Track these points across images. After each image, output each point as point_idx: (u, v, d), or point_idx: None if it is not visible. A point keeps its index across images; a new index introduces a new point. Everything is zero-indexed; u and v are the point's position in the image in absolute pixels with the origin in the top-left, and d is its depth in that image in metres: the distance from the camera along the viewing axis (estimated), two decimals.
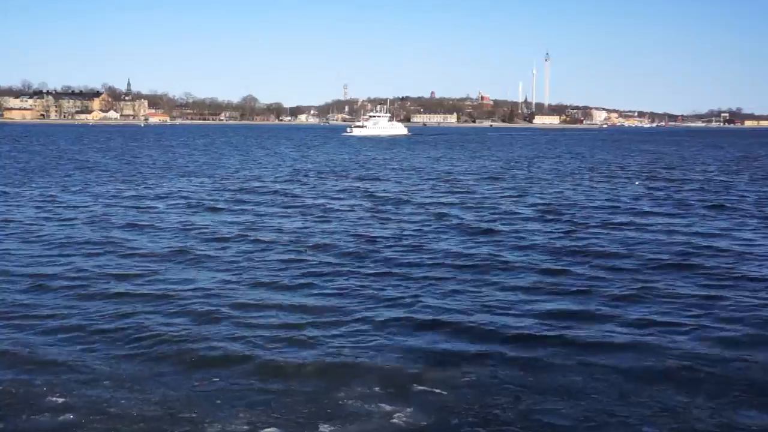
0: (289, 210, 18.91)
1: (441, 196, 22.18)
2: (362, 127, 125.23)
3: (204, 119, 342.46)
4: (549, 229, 15.08)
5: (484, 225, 16.22)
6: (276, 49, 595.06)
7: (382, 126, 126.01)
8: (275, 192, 23.78)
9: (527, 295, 9.73)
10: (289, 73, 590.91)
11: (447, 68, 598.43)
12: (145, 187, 22.28)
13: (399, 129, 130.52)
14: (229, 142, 70.61)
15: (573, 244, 13.47)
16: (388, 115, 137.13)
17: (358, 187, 23.67)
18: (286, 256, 12.36)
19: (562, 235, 14.58)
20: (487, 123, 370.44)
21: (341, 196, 21.92)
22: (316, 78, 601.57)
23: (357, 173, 26.67)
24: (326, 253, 12.85)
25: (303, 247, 13.35)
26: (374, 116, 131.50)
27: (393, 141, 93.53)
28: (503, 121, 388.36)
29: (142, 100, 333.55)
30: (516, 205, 19.29)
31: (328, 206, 19.14)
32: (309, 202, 19.67)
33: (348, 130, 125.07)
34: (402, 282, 10.49)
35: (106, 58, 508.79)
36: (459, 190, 24.70)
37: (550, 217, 17.33)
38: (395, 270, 11.47)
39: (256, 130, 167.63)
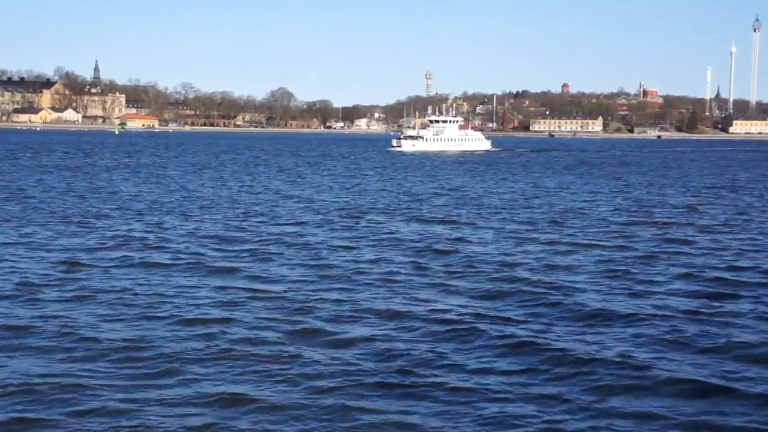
0: None
1: None
2: (417, 138, 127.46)
3: (211, 124, 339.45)
4: None
5: None
6: (322, 23, 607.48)
7: (448, 136, 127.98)
8: None
9: None
10: (341, 59, 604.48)
11: (587, 48, 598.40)
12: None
13: (475, 142, 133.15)
14: (247, 173, 64.54)
15: None
16: (459, 119, 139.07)
17: None
18: None
19: None
20: (652, 133, 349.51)
21: None
22: (383, 66, 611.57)
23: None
24: None
25: None
26: (437, 121, 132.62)
27: (466, 164, 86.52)
28: (678, 129, 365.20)
29: (117, 93, 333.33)
30: None
31: None
32: None
33: (395, 142, 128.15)
34: None
35: (62, 29, 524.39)
36: None
37: None
38: None
39: (289, 143, 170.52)
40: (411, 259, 21.57)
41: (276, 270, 19.91)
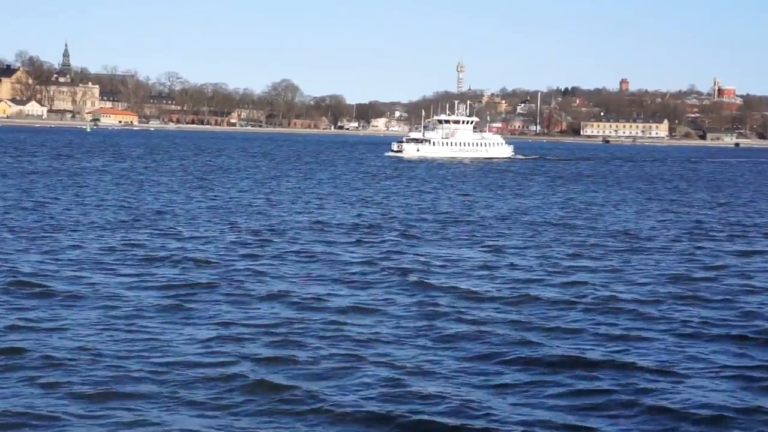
0: None
1: None
2: (422, 141, 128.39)
3: (201, 121, 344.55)
4: None
5: None
6: (332, 4, 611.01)
7: (461, 140, 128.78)
8: None
9: None
10: (356, 46, 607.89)
11: (651, 39, 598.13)
12: None
13: (494, 147, 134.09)
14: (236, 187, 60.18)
15: None
16: (474, 119, 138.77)
17: None
18: None
19: None
20: (728, 139, 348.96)
21: None
22: (406, 56, 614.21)
23: None
24: None
25: None
26: (446, 121, 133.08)
27: (480, 175, 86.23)
28: (761, 136, 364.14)
29: (90, 84, 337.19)
30: None
31: None
32: None
33: (395, 146, 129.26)
34: None
35: (25, 7, 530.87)
36: None
37: None
38: None
39: (290, 147, 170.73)
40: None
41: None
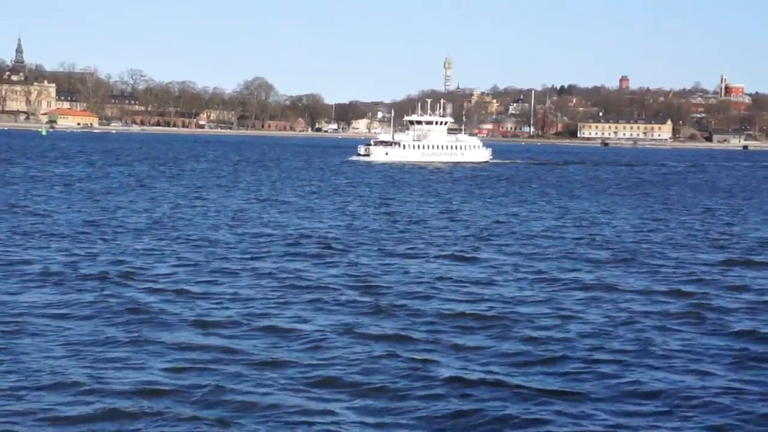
0: None
1: None
2: (391, 144, 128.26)
3: (167, 123, 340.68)
4: None
5: None
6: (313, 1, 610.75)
7: (434, 143, 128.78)
8: None
9: None
10: (335, 42, 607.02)
11: (652, 33, 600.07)
12: None
13: (470, 150, 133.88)
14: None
15: None
16: (447, 119, 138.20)
17: None
18: None
19: None
20: (736, 141, 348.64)
21: None
22: (388, 51, 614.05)
23: None
24: None
25: None
26: (418, 122, 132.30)
27: (455, 184, 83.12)
28: None
29: (46, 82, 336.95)
30: None
31: None
32: None
33: (362, 149, 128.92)
34: None
35: None
36: None
37: None
38: None
39: (252, 150, 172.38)
40: None
41: None
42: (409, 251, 32.39)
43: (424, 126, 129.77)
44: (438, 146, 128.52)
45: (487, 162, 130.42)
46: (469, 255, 31.52)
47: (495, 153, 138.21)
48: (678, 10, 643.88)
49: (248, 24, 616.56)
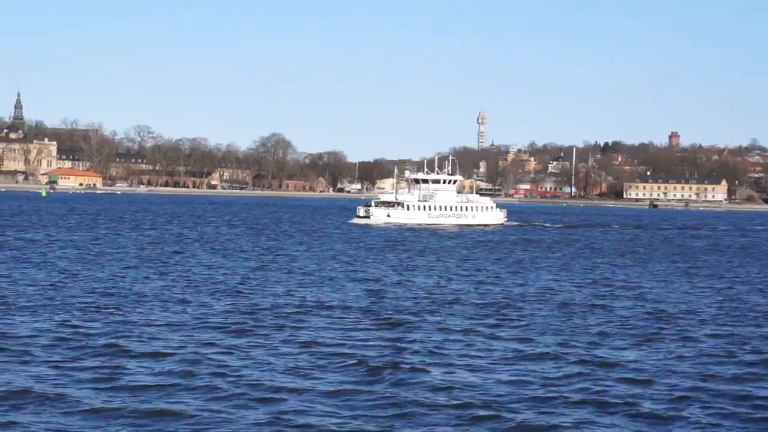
0: None
1: None
2: (394, 205, 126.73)
3: (176, 183, 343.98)
4: None
5: None
6: (331, 47, 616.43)
7: (442, 203, 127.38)
8: None
9: None
10: (359, 96, 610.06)
11: (705, 87, 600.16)
12: None
13: (482, 212, 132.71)
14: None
15: None
16: (457, 177, 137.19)
17: None
18: None
19: None
20: None
21: None
22: (418, 106, 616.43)
23: None
24: None
25: None
26: (425, 181, 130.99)
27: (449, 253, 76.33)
28: None
29: (46, 140, 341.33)
30: None
31: None
32: None
33: (362, 210, 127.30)
34: None
35: None
36: None
37: None
38: None
39: (249, 211, 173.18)
40: None
41: None
42: None
43: (431, 185, 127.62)
44: (445, 207, 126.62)
45: (501, 224, 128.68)
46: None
47: (518, 214, 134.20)
48: (731, 60, 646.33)
49: (265, 77, 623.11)
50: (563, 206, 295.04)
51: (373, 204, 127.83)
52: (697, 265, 65.94)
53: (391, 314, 35.14)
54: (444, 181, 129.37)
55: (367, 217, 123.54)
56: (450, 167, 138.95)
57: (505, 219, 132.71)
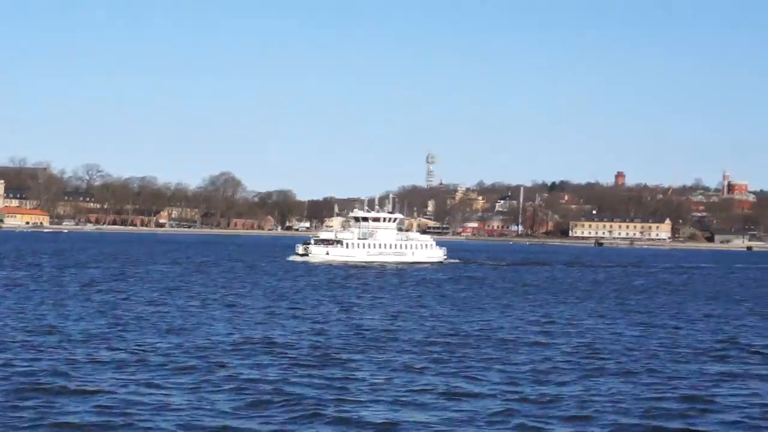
0: None
1: None
2: (333, 243, 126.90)
3: (124, 222, 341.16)
4: None
5: None
6: (279, 86, 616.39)
7: (381, 241, 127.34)
8: None
9: None
10: (308, 135, 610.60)
11: (650, 127, 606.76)
12: None
13: (421, 249, 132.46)
14: None
15: None
16: (397, 216, 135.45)
17: None
18: None
19: None
20: (739, 242, 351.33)
21: None
22: (366, 145, 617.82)
23: None
24: None
25: None
26: (364, 219, 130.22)
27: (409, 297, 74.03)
28: None
29: None
30: None
31: None
32: None
33: (300, 248, 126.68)
34: None
35: None
36: None
37: None
38: None
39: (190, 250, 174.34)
40: None
41: None
42: None
43: (371, 223, 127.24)
44: (385, 245, 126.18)
45: (440, 262, 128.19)
46: None
47: (458, 252, 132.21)
48: (677, 102, 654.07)
49: (213, 115, 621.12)
50: (510, 244, 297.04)
51: (312, 242, 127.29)
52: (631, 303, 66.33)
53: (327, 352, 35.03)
54: (384, 219, 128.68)
55: (306, 254, 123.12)
56: (391, 205, 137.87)
57: (445, 257, 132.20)
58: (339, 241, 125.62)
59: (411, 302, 61.32)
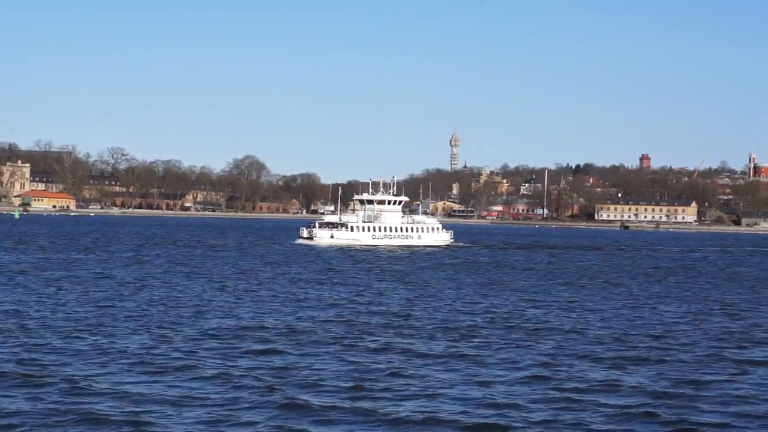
0: None
1: None
2: (338, 226, 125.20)
3: (150, 205, 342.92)
4: None
5: None
6: (303, 72, 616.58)
7: (385, 224, 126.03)
8: None
9: None
10: (332, 118, 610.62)
11: (676, 110, 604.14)
12: None
13: (427, 232, 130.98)
14: None
15: None
16: (402, 198, 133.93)
17: None
18: None
19: None
20: (766, 224, 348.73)
21: None
22: (390, 128, 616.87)
23: None
24: None
25: None
26: (369, 201, 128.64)
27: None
28: None
29: (20, 162, 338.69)
30: None
31: None
32: None
33: (305, 232, 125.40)
34: None
35: None
36: None
37: None
38: None
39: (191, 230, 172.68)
40: None
41: None
42: None
43: (376, 206, 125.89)
44: (390, 228, 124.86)
45: (447, 246, 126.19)
46: None
47: (467, 235, 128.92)
48: (703, 83, 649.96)
49: (239, 99, 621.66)
50: (536, 227, 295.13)
51: (316, 225, 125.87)
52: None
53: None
54: (389, 202, 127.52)
55: (311, 238, 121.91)
56: (394, 188, 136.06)
57: (451, 240, 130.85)
58: (344, 225, 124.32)
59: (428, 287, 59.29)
